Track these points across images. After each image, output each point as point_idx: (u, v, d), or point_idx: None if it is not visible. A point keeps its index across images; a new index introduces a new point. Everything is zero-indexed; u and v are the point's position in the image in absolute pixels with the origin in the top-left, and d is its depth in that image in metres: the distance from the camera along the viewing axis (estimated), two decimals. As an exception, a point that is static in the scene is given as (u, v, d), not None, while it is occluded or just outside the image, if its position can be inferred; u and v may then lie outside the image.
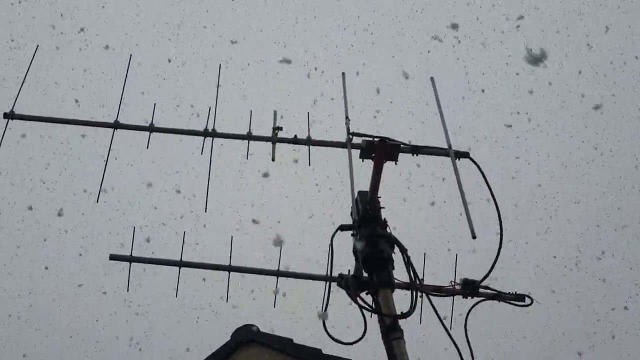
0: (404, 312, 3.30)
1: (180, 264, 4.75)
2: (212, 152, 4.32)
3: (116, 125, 4.36)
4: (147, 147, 4.34)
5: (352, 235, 3.77)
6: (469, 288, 4.29)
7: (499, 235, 3.67)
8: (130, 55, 4.69)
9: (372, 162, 3.94)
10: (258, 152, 4.34)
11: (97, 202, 4.26)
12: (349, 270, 3.75)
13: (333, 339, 3.29)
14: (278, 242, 4.47)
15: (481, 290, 4.26)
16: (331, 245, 3.62)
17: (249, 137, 4.36)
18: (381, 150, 3.91)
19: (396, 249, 3.63)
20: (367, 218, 3.80)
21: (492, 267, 3.69)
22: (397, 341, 3.24)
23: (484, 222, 3.79)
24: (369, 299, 3.47)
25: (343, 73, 4.64)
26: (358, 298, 3.41)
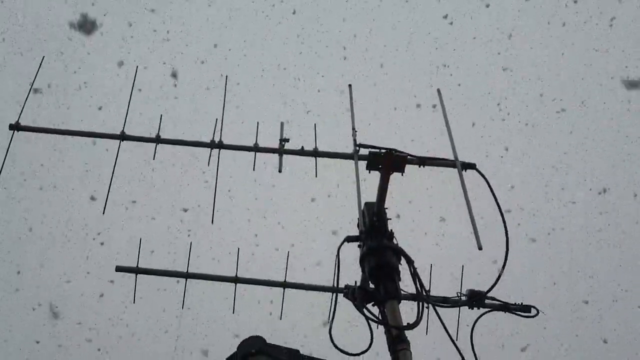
0: (410, 323, 3.31)
1: (187, 275, 4.76)
2: (219, 164, 4.33)
3: (122, 137, 4.37)
4: (154, 158, 4.36)
5: (359, 246, 3.78)
6: (475, 299, 4.30)
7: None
8: (137, 67, 4.72)
9: (379, 174, 3.96)
10: (265, 163, 4.36)
11: (104, 213, 4.26)
12: (355, 282, 3.76)
13: (339, 350, 3.29)
14: None
15: (487, 301, 4.27)
16: (338, 256, 3.63)
17: (255, 148, 4.37)
18: (388, 162, 3.92)
19: (403, 261, 3.64)
20: (374, 229, 3.81)
21: (498, 278, 3.71)
22: (404, 352, 3.24)
23: (491, 234, 3.80)
24: (375, 310, 3.47)
25: (350, 85, 4.67)
26: (364, 309, 3.41)
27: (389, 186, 4.00)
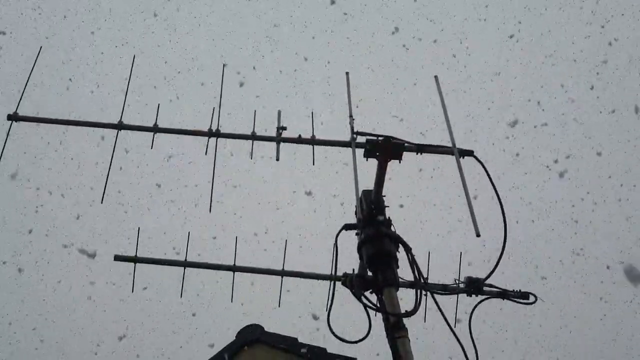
0: (408, 310, 3.31)
1: (185, 264, 4.76)
2: (216, 153, 4.31)
3: (120, 126, 4.35)
4: (152, 147, 4.34)
5: (357, 234, 3.77)
6: (473, 286, 4.30)
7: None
8: (134, 56, 4.68)
9: (377, 161, 3.95)
10: (262, 152, 4.34)
11: (102, 202, 4.25)
12: (353, 270, 3.75)
13: (337, 337, 3.28)
14: None
15: (485, 288, 4.27)
16: (336, 244, 3.62)
17: (253, 137, 4.35)
18: (385, 149, 3.91)
19: (400, 248, 3.64)
20: (372, 217, 3.81)
21: (497, 265, 3.70)
22: (402, 339, 3.25)
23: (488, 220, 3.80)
24: (373, 297, 3.48)
25: (347, 72, 4.64)
26: (362, 297, 3.41)
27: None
